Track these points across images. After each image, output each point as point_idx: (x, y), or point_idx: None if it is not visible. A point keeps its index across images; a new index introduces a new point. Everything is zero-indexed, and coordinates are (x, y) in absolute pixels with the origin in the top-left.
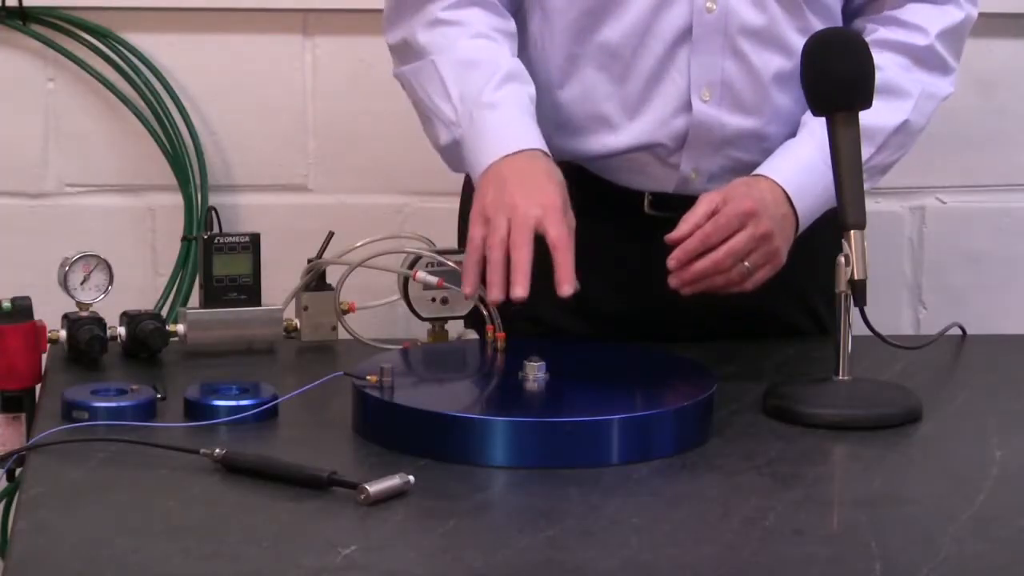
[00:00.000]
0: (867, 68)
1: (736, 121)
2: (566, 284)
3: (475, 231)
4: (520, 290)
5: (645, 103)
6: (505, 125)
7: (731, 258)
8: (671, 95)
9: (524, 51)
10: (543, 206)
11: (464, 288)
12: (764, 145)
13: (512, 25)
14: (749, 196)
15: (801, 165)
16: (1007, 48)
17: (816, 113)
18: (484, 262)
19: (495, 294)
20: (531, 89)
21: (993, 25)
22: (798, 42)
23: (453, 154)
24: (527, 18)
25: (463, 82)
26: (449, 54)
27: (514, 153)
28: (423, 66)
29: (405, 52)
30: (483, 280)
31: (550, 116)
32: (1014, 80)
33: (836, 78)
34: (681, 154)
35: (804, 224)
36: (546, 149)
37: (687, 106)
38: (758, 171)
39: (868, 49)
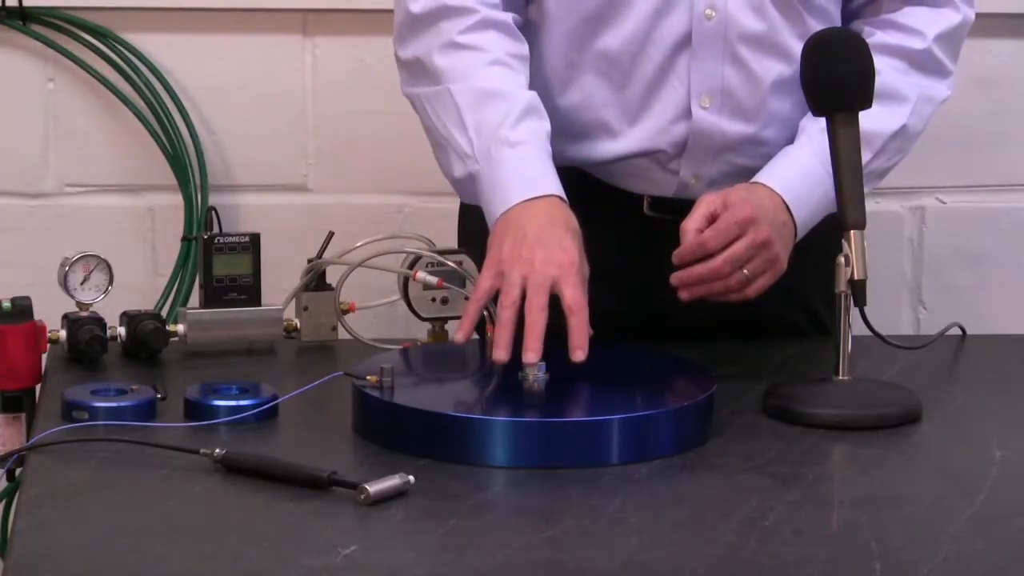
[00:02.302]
0: (867, 68)
1: (736, 128)
2: (580, 350)
3: (486, 281)
4: (532, 355)
5: (645, 110)
6: (524, 168)
7: (729, 265)
8: (671, 102)
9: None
10: (560, 265)
11: (457, 335)
12: (764, 151)
13: (525, 48)
14: (748, 203)
15: (799, 172)
16: (1006, 48)
17: (816, 113)
18: (484, 312)
19: (501, 355)
20: (547, 125)
21: (992, 25)
22: (798, 48)
23: (467, 188)
24: (527, 25)
25: (480, 114)
26: (466, 82)
27: (533, 199)
28: (439, 93)
29: (418, 72)
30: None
31: (551, 122)
32: (1013, 80)
33: (836, 78)
34: (681, 160)
35: (803, 231)
36: (563, 195)
37: (687, 113)
38: (756, 178)
39: (868, 49)
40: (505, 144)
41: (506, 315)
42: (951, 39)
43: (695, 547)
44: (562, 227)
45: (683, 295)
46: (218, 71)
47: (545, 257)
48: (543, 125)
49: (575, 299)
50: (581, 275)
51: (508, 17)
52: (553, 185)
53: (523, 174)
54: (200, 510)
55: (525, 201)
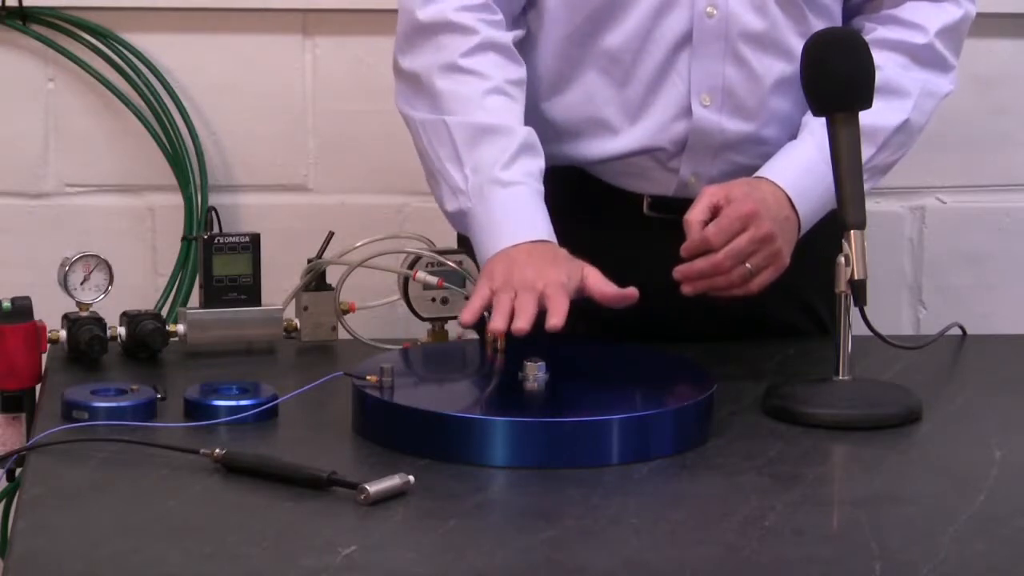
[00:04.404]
0: (867, 68)
1: (736, 126)
2: (555, 316)
3: (483, 291)
4: (522, 322)
5: (646, 108)
6: (516, 210)
7: (731, 260)
8: (671, 100)
9: (524, 56)
10: (546, 277)
11: (465, 317)
12: (764, 149)
13: (523, 71)
14: (750, 198)
15: (803, 167)
16: (1007, 48)
17: (816, 113)
18: (483, 312)
19: (499, 324)
20: (541, 162)
21: (993, 25)
22: (799, 47)
23: (459, 221)
24: (527, 23)
25: (476, 151)
26: (463, 115)
27: (523, 244)
28: (435, 124)
29: (416, 89)
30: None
31: (550, 120)
32: (1014, 80)
33: (836, 78)
34: (681, 158)
35: (807, 226)
36: (554, 239)
37: (687, 111)
38: (759, 173)
39: (868, 49)
40: (498, 184)
41: (502, 298)
42: (953, 33)
43: (695, 547)
44: (551, 256)
45: (686, 289)
46: (218, 71)
47: (534, 274)
48: (537, 163)
49: (555, 295)
50: (568, 289)
51: (508, 38)
52: (544, 230)
53: (515, 217)
54: (200, 510)
55: (516, 245)
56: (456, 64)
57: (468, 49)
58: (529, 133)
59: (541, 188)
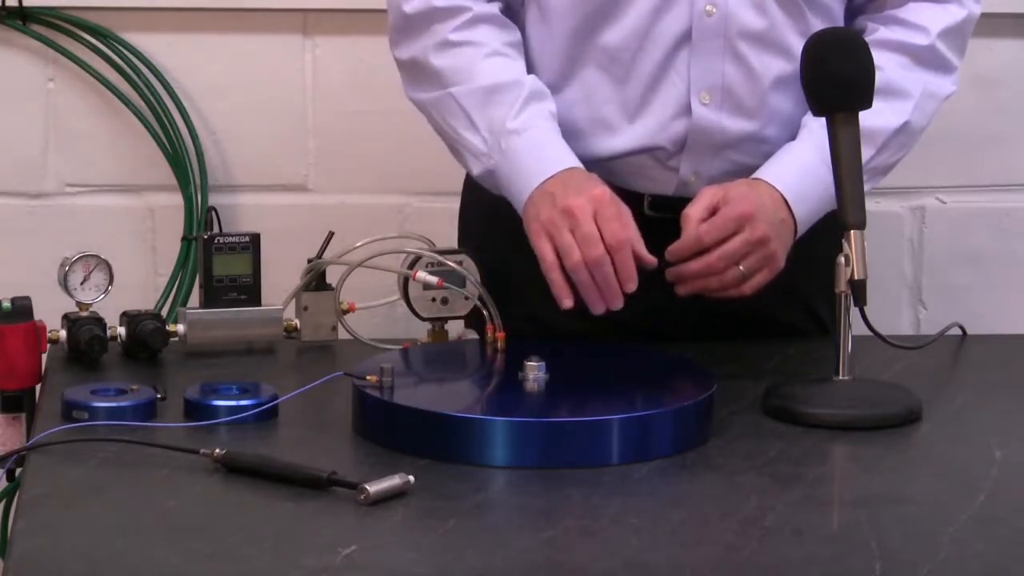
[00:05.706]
0: (867, 68)
1: (736, 124)
2: (630, 282)
3: (544, 247)
4: (617, 302)
5: (645, 106)
6: (536, 151)
7: (723, 261)
8: (671, 98)
9: (524, 55)
10: (593, 198)
11: (565, 303)
12: (764, 148)
13: (517, 34)
14: (747, 199)
15: (801, 169)
16: (1008, 48)
17: (816, 113)
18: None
19: (600, 308)
20: (551, 105)
21: (994, 25)
22: (799, 45)
23: (490, 183)
24: (524, 22)
25: (488, 112)
26: (467, 83)
27: (553, 176)
28: (442, 99)
29: (416, 73)
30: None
31: None
32: (1015, 80)
33: (836, 78)
34: (681, 157)
35: (803, 228)
36: (580, 165)
37: (687, 109)
38: (758, 174)
39: (868, 49)
40: (513, 134)
41: (581, 277)
42: (956, 34)
43: (695, 547)
44: (583, 176)
45: (679, 290)
46: (218, 71)
47: (579, 202)
48: (546, 106)
49: (613, 235)
50: (615, 206)
51: (495, 8)
52: (568, 159)
53: (537, 157)
54: (200, 510)
55: (546, 179)
56: (448, 40)
57: (458, 25)
58: (534, 81)
59: (555, 127)
